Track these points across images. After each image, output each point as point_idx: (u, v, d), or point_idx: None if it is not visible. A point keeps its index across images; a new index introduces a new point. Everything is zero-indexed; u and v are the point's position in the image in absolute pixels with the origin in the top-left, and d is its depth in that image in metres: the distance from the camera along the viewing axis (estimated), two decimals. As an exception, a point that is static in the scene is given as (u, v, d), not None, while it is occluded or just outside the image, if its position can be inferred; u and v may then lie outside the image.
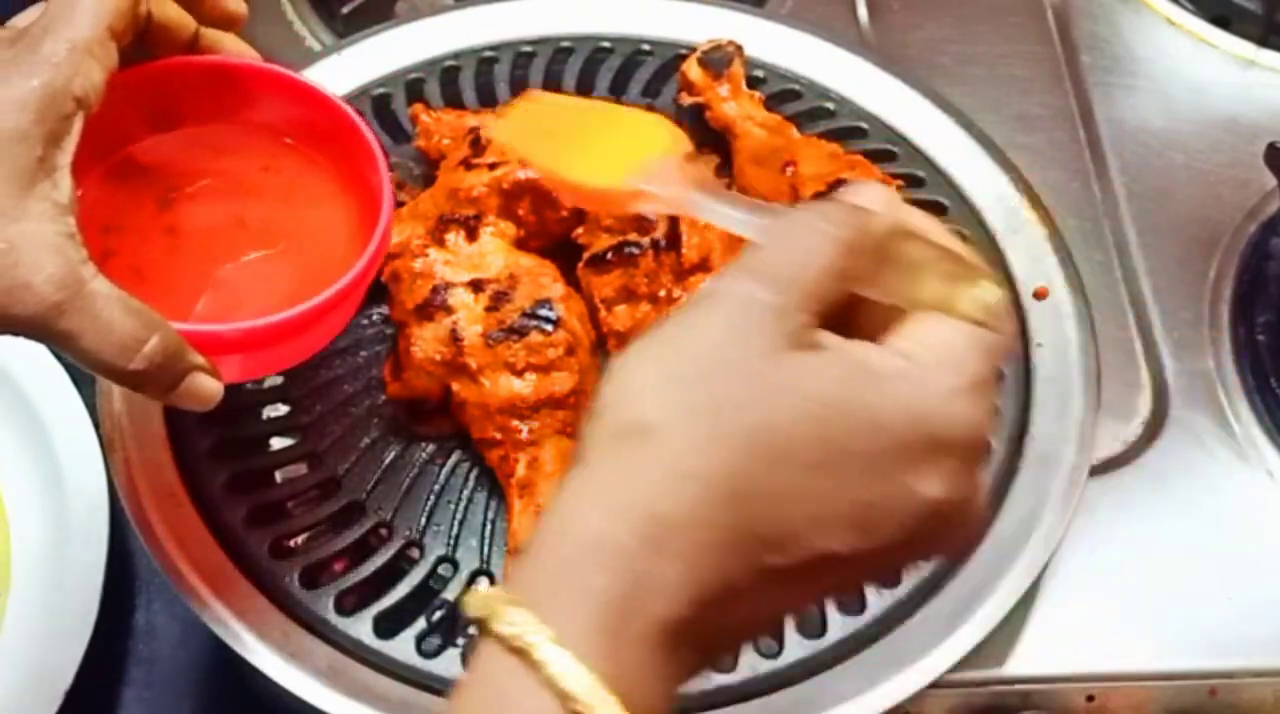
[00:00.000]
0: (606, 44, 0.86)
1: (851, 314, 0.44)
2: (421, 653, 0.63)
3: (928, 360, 0.42)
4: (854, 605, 0.65)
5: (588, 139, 0.57)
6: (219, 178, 0.63)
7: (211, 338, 0.55)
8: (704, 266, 0.69)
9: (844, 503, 0.41)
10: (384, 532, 0.66)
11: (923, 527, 0.42)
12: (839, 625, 0.64)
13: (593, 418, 0.43)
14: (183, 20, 0.60)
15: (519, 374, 0.65)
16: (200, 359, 0.54)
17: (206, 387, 0.55)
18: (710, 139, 0.80)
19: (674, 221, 0.69)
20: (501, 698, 0.40)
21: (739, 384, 0.41)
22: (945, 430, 0.41)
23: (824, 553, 0.41)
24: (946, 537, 0.43)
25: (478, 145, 0.73)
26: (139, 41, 0.57)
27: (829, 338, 0.42)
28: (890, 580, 0.52)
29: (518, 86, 0.83)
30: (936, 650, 0.63)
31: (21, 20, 0.55)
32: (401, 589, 0.64)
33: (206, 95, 0.62)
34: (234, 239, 0.62)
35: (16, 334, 0.51)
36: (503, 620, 0.40)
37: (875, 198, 0.45)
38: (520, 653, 0.39)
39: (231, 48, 0.62)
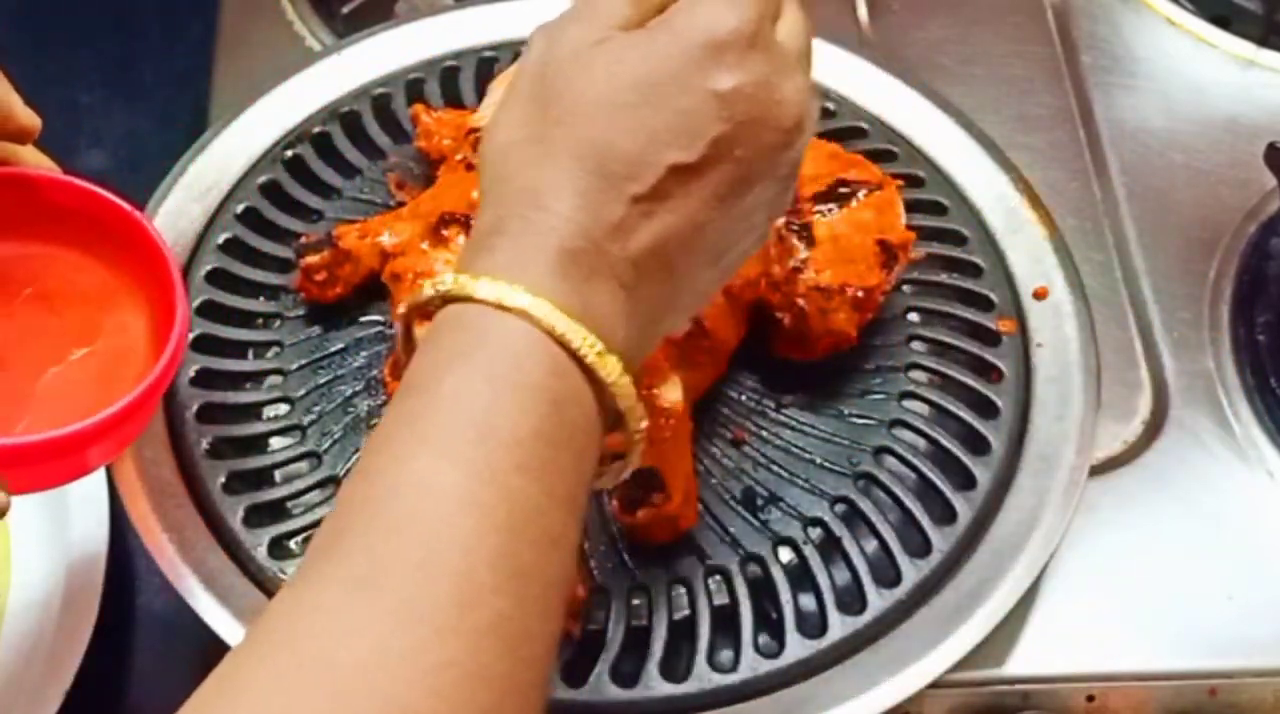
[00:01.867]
0: (606, 44, 0.85)
1: None
2: (421, 653, 0.63)
3: (689, 3, 0.52)
4: (854, 605, 0.65)
5: None
6: (21, 287, 0.64)
7: None
8: (704, 266, 0.69)
9: (664, 120, 0.50)
10: (384, 531, 0.66)
11: (740, 114, 0.51)
12: (839, 625, 0.64)
13: (479, 170, 0.53)
14: None
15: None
16: None
17: None
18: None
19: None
20: (455, 332, 0.49)
21: (558, 80, 0.51)
22: (710, 34, 0.50)
23: (670, 165, 0.50)
24: (771, 116, 0.51)
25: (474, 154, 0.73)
26: None
27: (624, 33, 0.52)
28: (786, 177, 0.54)
29: (518, 86, 0.83)
30: (936, 650, 0.63)
31: None
32: (401, 589, 0.64)
33: (5, 205, 0.63)
34: (45, 347, 0.63)
35: None
36: (440, 284, 0.49)
37: None
38: (464, 299, 0.49)
39: (29, 159, 0.63)
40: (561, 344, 0.48)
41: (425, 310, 0.50)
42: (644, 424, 0.51)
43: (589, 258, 0.49)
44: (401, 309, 0.52)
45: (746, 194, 0.52)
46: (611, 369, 0.49)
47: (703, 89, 0.50)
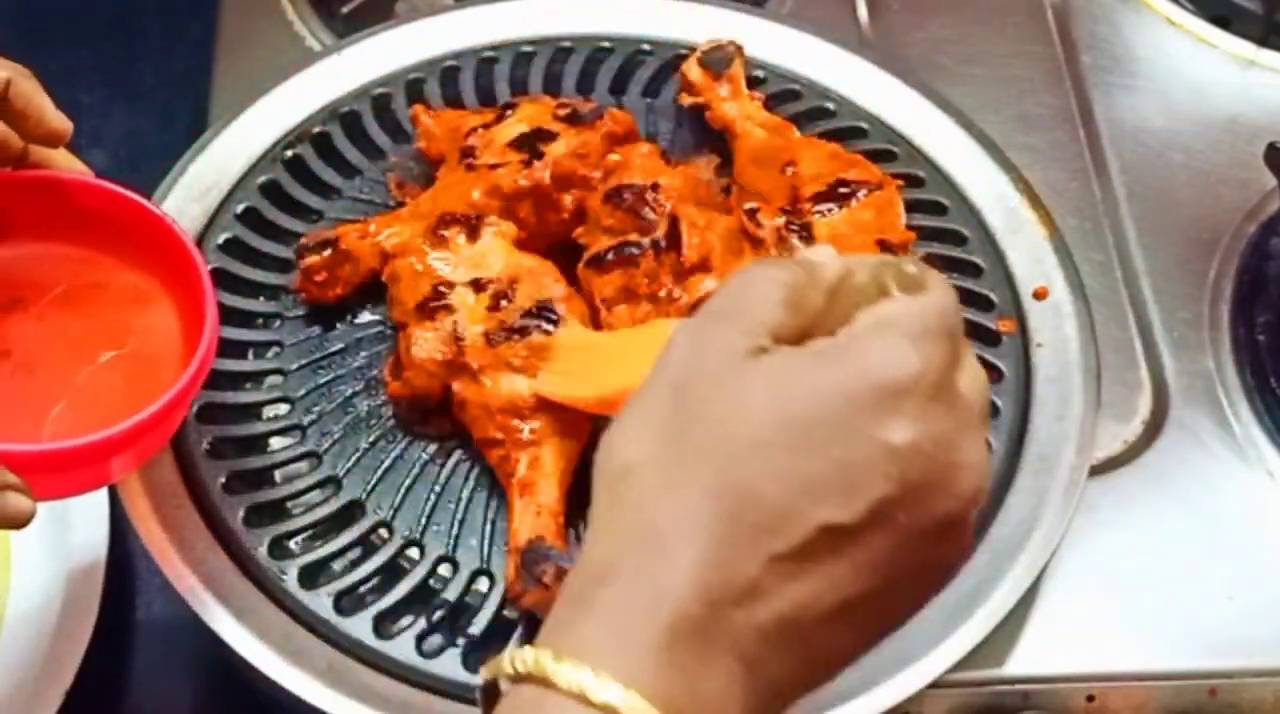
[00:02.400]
0: (606, 44, 0.86)
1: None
2: (421, 653, 0.63)
3: (863, 332, 0.45)
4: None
5: (609, 357, 0.64)
6: (51, 289, 0.64)
7: (23, 457, 0.55)
8: (704, 267, 0.69)
9: (821, 470, 0.42)
10: (384, 531, 0.66)
11: (911, 475, 0.43)
12: (839, 625, 0.64)
13: (594, 482, 0.45)
14: (9, 135, 0.61)
15: (520, 374, 0.65)
16: (12, 477, 0.55)
17: (16, 506, 0.55)
18: (710, 139, 0.80)
19: (674, 221, 0.69)
20: None
21: (700, 396, 0.44)
22: (892, 378, 0.43)
23: (821, 525, 0.42)
24: (947, 481, 0.44)
25: (473, 154, 0.73)
26: None
27: (781, 347, 0.45)
28: (952, 553, 0.47)
29: (518, 86, 0.83)
30: (936, 650, 0.63)
31: None
32: (401, 589, 0.64)
33: (36, 208, 0.63)
34: (75, 349, 0.63)
35: None
36: (518, 662, 0.41)
37: (822, 252, 0.48)
38: (544, 684, 0.41)
39: (62, 162, 0.63)
40: None
41: (497, 689, 0.43)
42: None
43: (708, 628, 0.41)
44: (480, 678, 0.43)
45: (905, 565, 0.45)
46: None
47: (873, 439, 0.43)
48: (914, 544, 0.44)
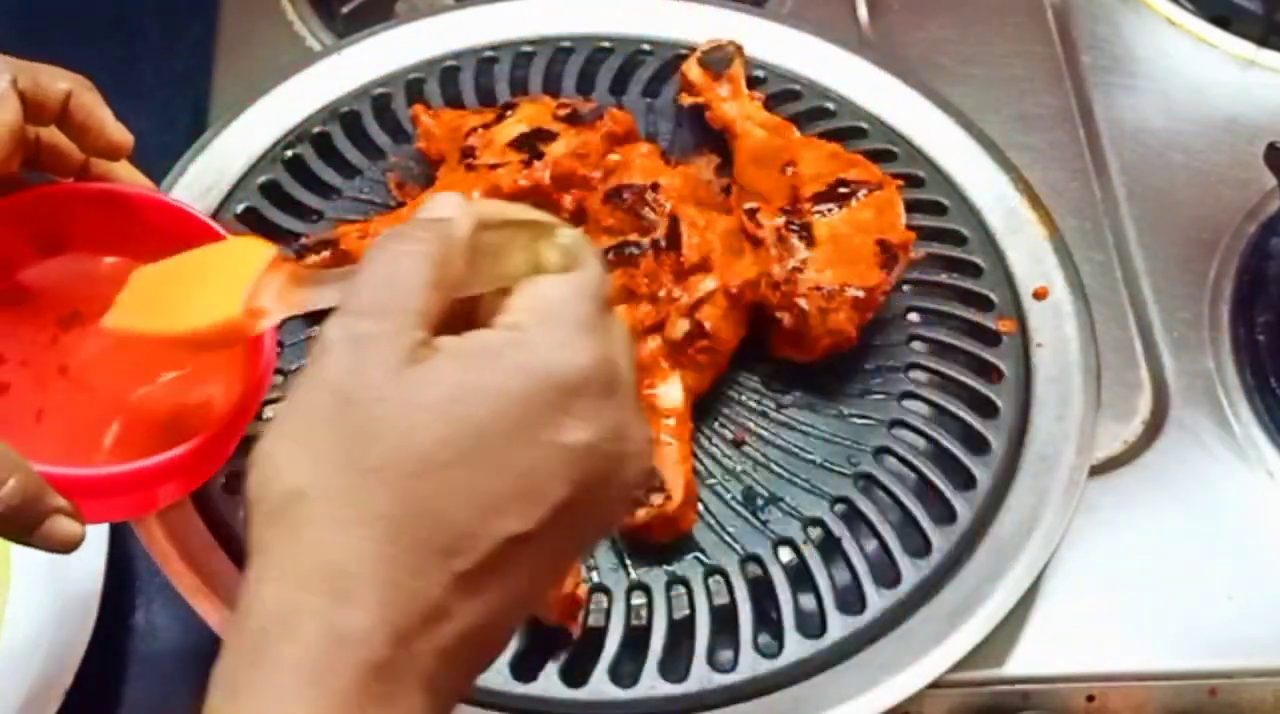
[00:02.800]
0: (606, 44, 0.86)
1: (471, 313, 0.45)
2: (421, 653, 0.63)
3: (531, 322, 0.43)
4: (854, 605, 0.65)
5: (190, 288, 0.56)
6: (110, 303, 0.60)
7: (74, 481, 0.54)
8: (704, 266, 0.69)
9: (501, 482, 0.41)
10: (384, 531, 0.66)
11: (589, 474, 0.42)
12: (839, 625, 0.64)
13: (249, 508, 0.42)
14: (70, 147, 0.60)
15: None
16: (61, 501, 0.53)
17: (66, 530, 0.53)
18: (710, 139, 0.80)
19: (674, 221, 0.69)
20: None
21: (366, 416, 0.41)
22: (564, 378, 0.42)
23: (507, 536, 0.41)
24: (619, 471, 0.44)
25: (473, 154, 0.73)
26: (28, 165, 0.58)
27: (444, 341, 0.43)
28: (598, 535, 0.50)
29: (518, 87, 0.83)
30: (936, 650, 0.63)
31: None
32: (401, 589, 0.64)
33: (95, 221, 0.62)
34: (135, 367, 0.61)
35: None
36: None
37: (446, 205, 0.46)
38: None
39: (124, 175, 0.62)
40: None
41: None
42: None
43: (396, 667, 0.40)
44: None
45: (573, 545, 0.45)
46: None
47: (550, 444, 0.41)
48: (582, 528, 0.44)
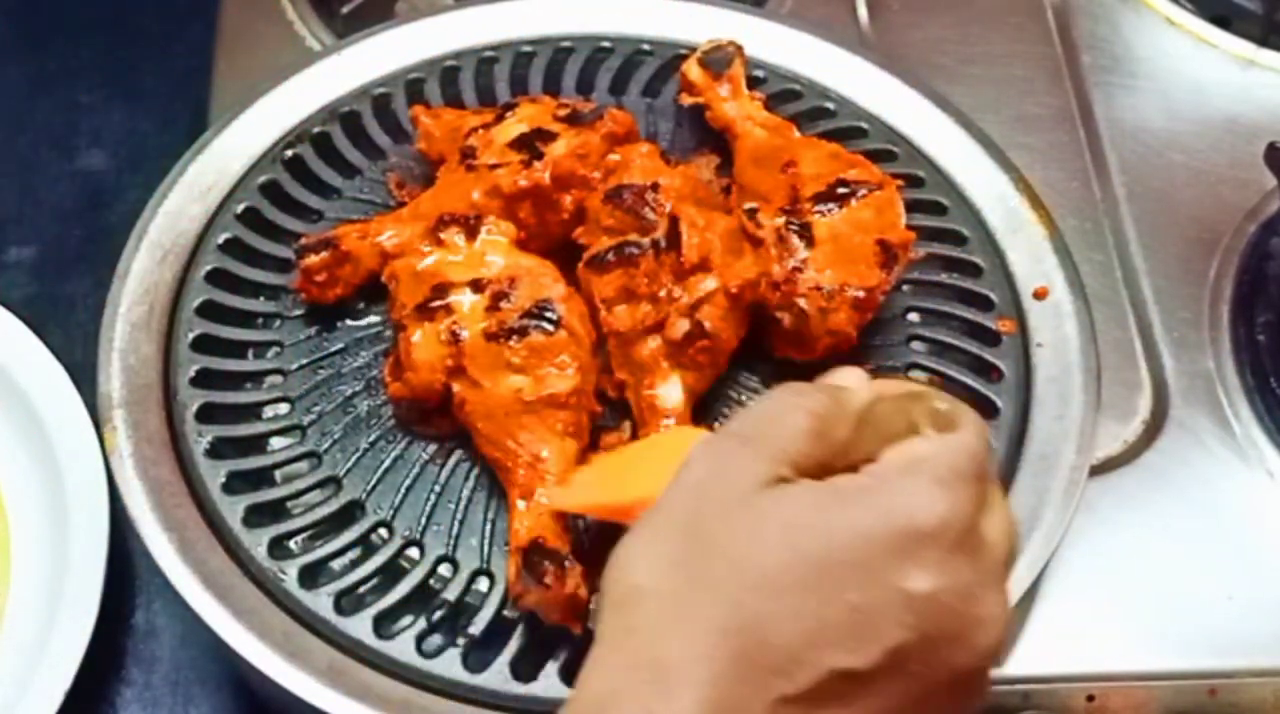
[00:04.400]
0: (606, 44, 0.86)
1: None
2: (421, 653, 0.63)
3: (891, 472, 0.43)
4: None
5: (631, 468, 0.62)
6: None
7: None
8: (704, 267, 0.69)
9: (835, 614, 0.41)
10: (384, 531, 0.66)
11: (930, 625, 0.42)
12: (839, 625, 0.64)
13: (600, 600, 0.44)
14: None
15: (519, 374, 0.65)
16: None
17: None
18: (710, 139, 0.80)
19: (674, 221, 0.69)
20: None
21: (716, 525, 0.42)
22: (916, 524, 0.42)
23: (833, 670, 0.41)
24: (965, 634, 0.43)
25: (473, 155, 0.73)
26: None
27: (803, 480, 0.44)
28: (966, 706, 0.46)
29: (518, 86, 0.83)
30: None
31: None
32: (401, 589, 0.64)
33: None
34: None
35: None
36: None
37: (850, 376, 0.48)
38: None
39: None
40: None
41: None
42: None
43: None
44: None
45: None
46: None
47: (891, 586, 0.41)
48: (926, 695, 0.43)
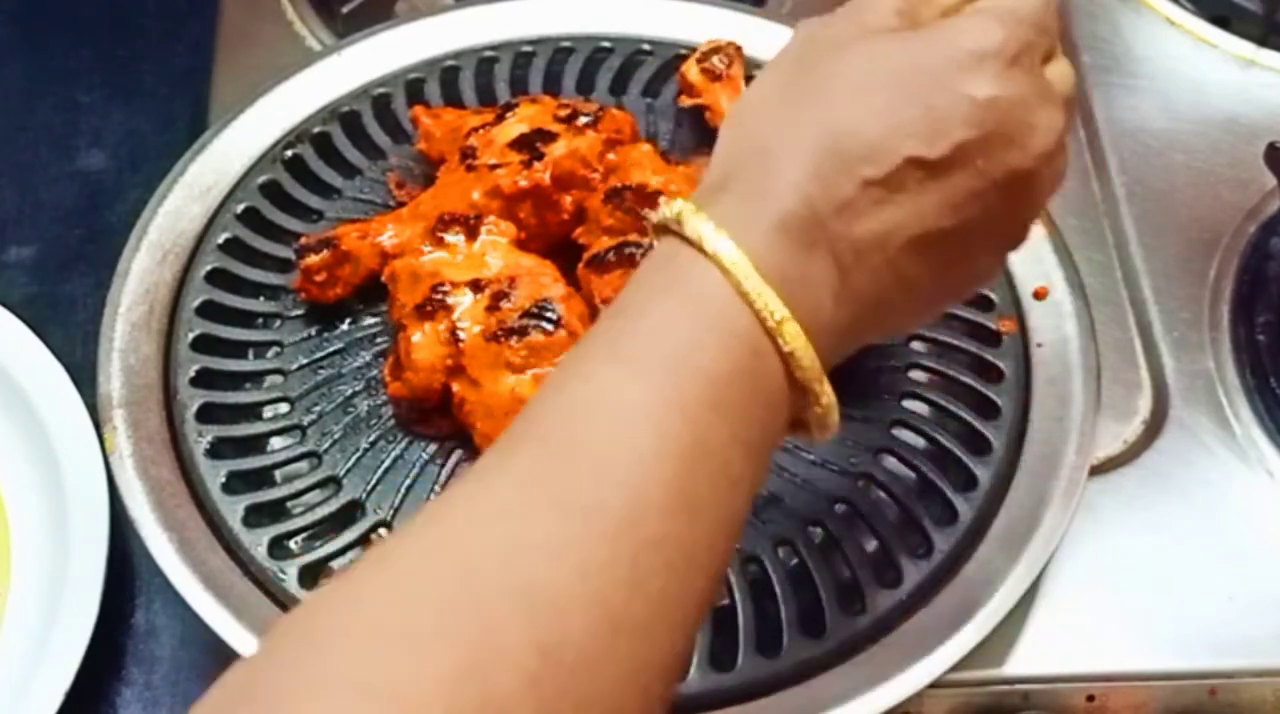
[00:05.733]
0: (606, 44, 0.86)
1: None
2: (421, 653, 0.63)
3: (963, 16, 0.52)
4: (854, 605, 0.65)
5: None
6: None
7: None
8: (704, 266, 0.69)
9: (911, 113, 0.49)
10: (384, 532, 0.66)
11: (991, 126, 0.50)
12: (839, 625, 0.64)
13: (719, 132, 0.53)
14: None
15: (519, 374, 0.65)
16: None
17: None
18: (710, 139, 0.80)
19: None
20: (657, 266, 0.49)
21: (814, 59, 0.52)
22: (977, 45, 0.50)
23: (908, 157, 0.49)
24: (1021, 136, 0.51)
25: (473, 155, 0.73)
26: None
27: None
28: (1023, 209, 0.53)
29: (518, 86, 0.83)
30: (936, 650, 0.63)
31: None
32: (401, 589, 0.64)
33: None
34: None
35: None
36: (666, 208, 0.49)
37: None
38: (676, 233, 0.49)
39: None
40: (748, 302, 0.47)
41: (657, 230, 0.50)
42: (827, 400, 0.49)
43: (810, 228, 0.48)
44: (652, 218, 0.51)
45: (980, 212, 0.51)
46: (792, 337, 0.47)
47: (957, 91, 0.50)
48: (988, 190, 0.51)
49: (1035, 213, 0.54)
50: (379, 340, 0.73)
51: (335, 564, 0.66)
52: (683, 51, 0.83)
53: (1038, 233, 0.78)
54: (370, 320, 0.73)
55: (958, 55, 0.50)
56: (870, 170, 0.49)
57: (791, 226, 0.48)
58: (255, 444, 0.70)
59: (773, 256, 0.48)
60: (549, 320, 0.66)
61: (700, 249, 0.47)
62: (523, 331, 0.66)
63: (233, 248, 0.76)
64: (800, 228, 0.48)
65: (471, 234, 0.70)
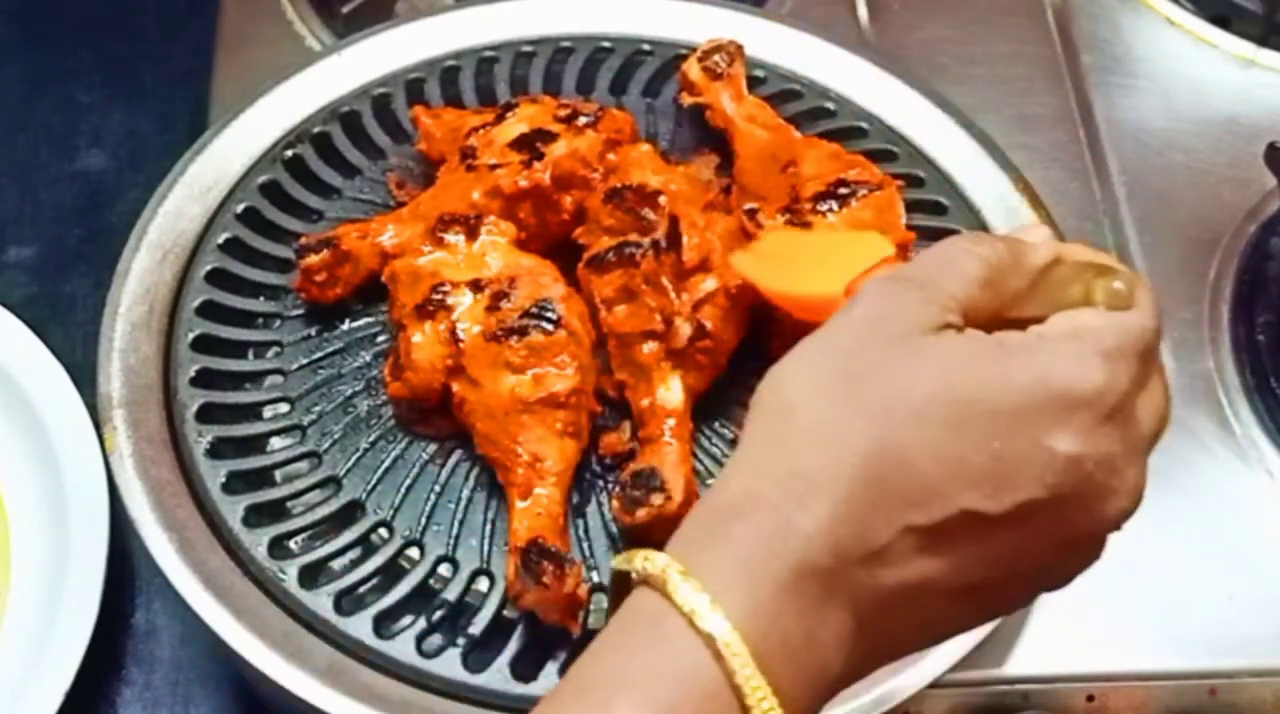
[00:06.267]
0: (606, 44, 0.86)
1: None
2: (421, 653, 0.63)
3: (1057, 334, 0.45)
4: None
5: (812, 258, 0.62)
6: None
7: None
8: (704, 267, 0.69)
9: (978, 458, 0.42)
10: (384, 531, 0.66)
11: (1067, 487, 0.43)
12: (839, 625, 0.64)
13: (751, 408, 0.46)
14: None
15: (519, 374, 0.65)
16: None
17: None
18: (710, 139, 0.80)
19: (674, 221, 0.69)
20: (641, 627, 0.43)
21: (876, 357, 0.44)
22: (1072, 390, 0.43)
23: (964, 510, 0.42)
24: (1098, 502, 0.44)
25: (474, 155, 0.73)
26: None
27: (970, 329, 0.45)
28: (1079, 564, 0.47)
29: (518, 86, 0.83)
30: (937, 650, 0.63)
31: None
32: (401, 589, 0.64)
33: None
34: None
35: None
36: (647, 563, 0.43)
37: (1037, 233, 0.49)
38: (663, 593, 0.42)
39: None
40: (739, 696, 0.41)
41: (627, 579, 0.44)
42: None
43: (831, 579, 0.42)
44: (611, 564, 0.46)
45: (1034, 564, 0.45)
46: None
47: (1036, 443, 0.43)
48: (1048, 549, 0.45)
49: (1093, 562, 0.47)
50: (379, 340, 0.73)
51: (335, 564, 0.66)
52: (683, 51, 0.83)
53: (1038, 232, 0.78)
54: (370, 320, 0.73)
55: (1044, 395, 0.43)
56: (917, 517, 0.43)
57: (808, 576, 0.42)
58: (255, 444, 0.70)
59: (778, 623, 0.42)
60: (549, 320, 0.66)
61: (690, 622, 0.42)
62: (523, 331, 0.66)
63: (233, 248, 0.76)
64: (820, 580, 0.42)
65: (471, 234, 0.70)
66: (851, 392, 0.44)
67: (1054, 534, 0.44)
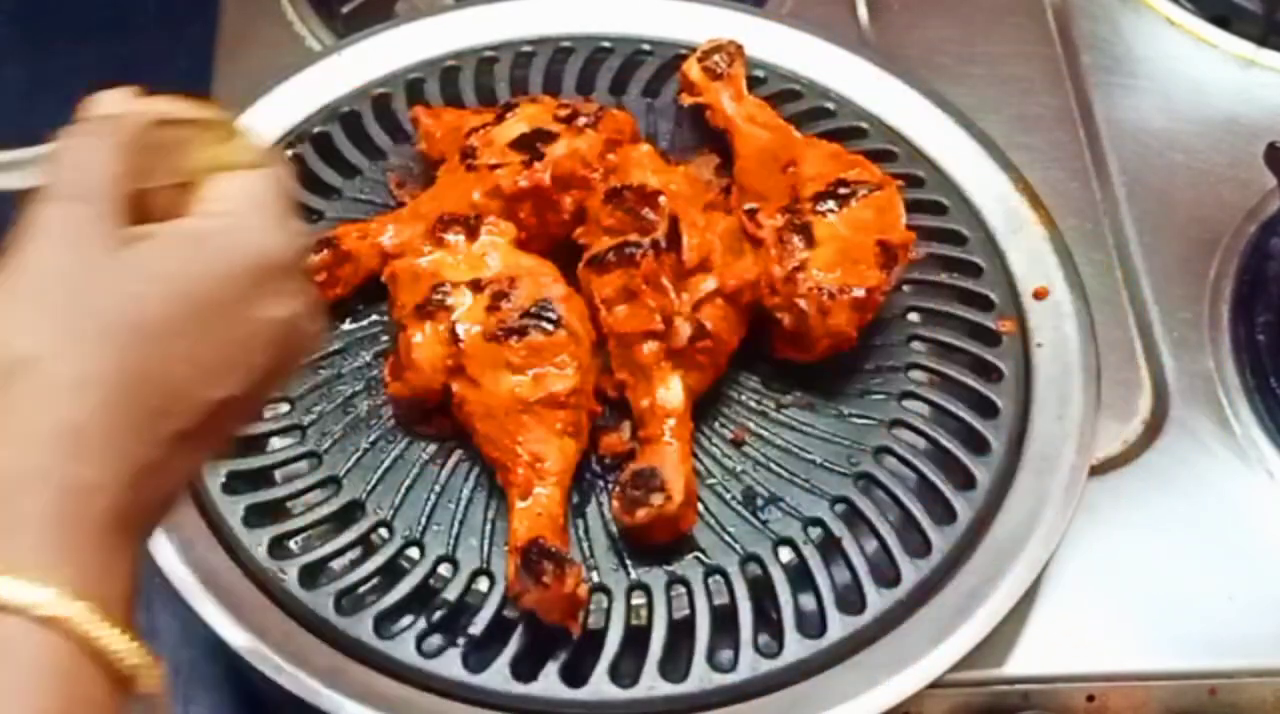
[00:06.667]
0: (606, 44, 0.86)
1: (144, 205, 0.48)
2: (421, 653, 0.63)
3: (237, 209, 0.48)
4: (854, 605, 0.65)
5: None
6: None
7: None
8: (704, 267, 0.69)
9: (214, 351, 0.46)
10: (384, 531, 0.66)
11: (288, 344, 0.48)
12: (839, 625, 0.64)
13: None
14: None
15: (519, 374, 0.65)
16: None
17: None
18: (710, 139, 0.80)
19: (674, 221, 0.69)
20: None
21: (90, 288, 0.45)
22: (271, 260, 0.47)
23: (217, 400, 0.46)
24: (305, 345, 0.50)
25: (474, 155, 0.73)
26: None
27: (151, 227, 0.47)
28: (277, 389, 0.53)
29: (518, 86, 0.83)
30: (936, 650, 0.63)
31: None
32: (402, 589, 0.64)
33: None
34: None
35: None
36: None
37: (112, 102, 0.52)
38: None
39: None
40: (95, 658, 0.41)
41: None
42: (157, 672, 0.43)
43: (129, 516, 0.43)
44: None
45: (264, 398, 0.51)
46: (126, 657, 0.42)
47: (257, 319, 0.47)
48: (272, 386, 0.49)
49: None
50: (379, 340, 0.73)
51: (335, 564, 0.66)
52: (683, 51, 0.83)
53: (1038, 233, 0.78)
54: (370, 320, 0.73)
55: (252, 274, 0.47)
56: (179, 423, 0.45)
57: (117, 521, 0.43)
58: (255, 444, 0.70)
59: (107, 576, 0.42)
60: (549, 320, 0.66)
61: (30, 615, 0.40)
62: (523, 331, 0.66)
63: (233, 248, 0.76)
64: (124, 519, 0.43)
65: (471, 234, 0.70)
66: (80, 330, 0.44)
67: (281, 376, 0.49)
